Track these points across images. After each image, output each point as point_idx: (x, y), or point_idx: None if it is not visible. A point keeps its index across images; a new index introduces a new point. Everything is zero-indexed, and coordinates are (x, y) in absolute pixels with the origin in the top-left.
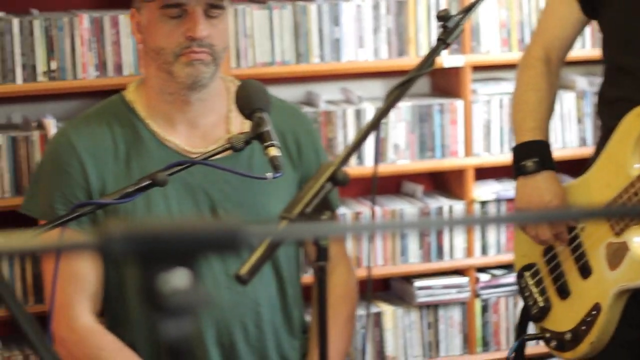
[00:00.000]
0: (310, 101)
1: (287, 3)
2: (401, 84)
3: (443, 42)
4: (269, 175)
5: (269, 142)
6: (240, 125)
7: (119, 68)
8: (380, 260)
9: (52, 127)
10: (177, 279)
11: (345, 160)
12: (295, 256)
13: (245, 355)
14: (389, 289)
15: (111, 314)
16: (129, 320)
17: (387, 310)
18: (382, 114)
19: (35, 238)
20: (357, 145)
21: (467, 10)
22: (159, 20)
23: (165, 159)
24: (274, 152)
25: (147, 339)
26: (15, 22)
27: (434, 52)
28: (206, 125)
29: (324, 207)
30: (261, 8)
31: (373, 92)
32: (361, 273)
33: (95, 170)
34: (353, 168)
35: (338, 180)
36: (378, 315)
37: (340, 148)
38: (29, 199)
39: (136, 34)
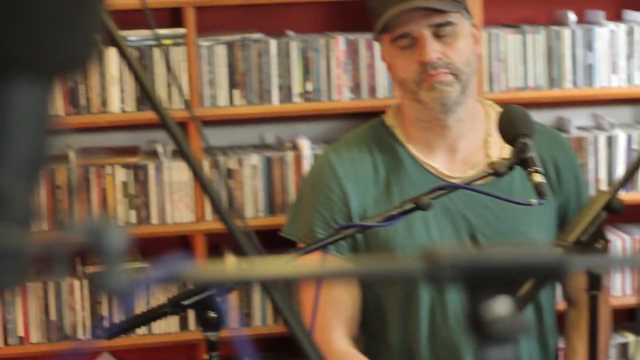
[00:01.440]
0: (561, 127)
1: (540, 28)
2: None
3: None
4: (534, 201)
5: (533, 168)
6: (500, 150)
7: (373, 91)
8: (628, 289)
9: (306, 148)
10: (501, 306)
11: (619, 187)
12: (552, 283)
13: None
14: (635, 319)
15: (368, 336)
16: (386, 343)
17: (633, 341)
18: None
19: (350, 263)
20: (631, 173)
21: None
22: (394, 54)
23: (425, 183)
24: (538, 178)
25: None
26: (273, 43)
27: None
28: (466, 149)
29: (599, 235)
30: (515, 32)
31: (624, 119)
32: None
33: (356, 195)
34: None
35: (613, 208)
36: (624, 346)
37: (591, 175)
38: (290, 222)
39: (388, 68)
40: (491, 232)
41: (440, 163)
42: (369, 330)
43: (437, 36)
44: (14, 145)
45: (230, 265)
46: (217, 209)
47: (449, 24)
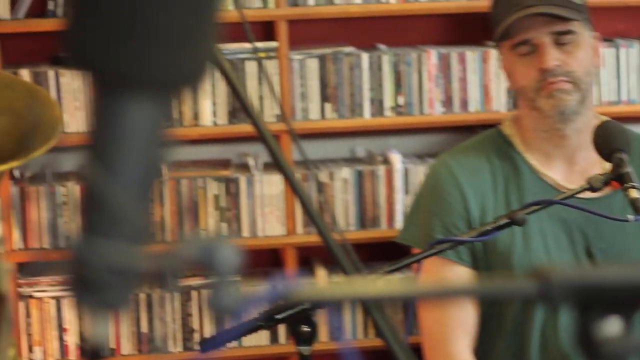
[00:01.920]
0: None
1: (634, 42)
2: None
3: None
4: (631, 217)
5: (629, 184)
6: None
7: (464, 104)
8: None
9: (397, 162)
10: (612, 326)
11: None
12: None
13: None
14: None
15: (479, 345)
16: (497, 352)
17: None
18: None
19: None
20: None
21: None
22: (515, 61)
23: (542, 194)
24: (634, 194)
25: None
26: (365, 57)
27: None
28: (584, 161)
29: None
30: (608, 46)
31: None
32: None
33: (476, 201)
34: None
35: None
36: None
37: None
38: (406, 228)
39: (506, 76)
40: (606, 246)
41: (558, 174)
42: (480, 339)
43: (558, 44)
44: (128, 163)
45: (339, 283)
46: (314, 222)
47: (570, 32)
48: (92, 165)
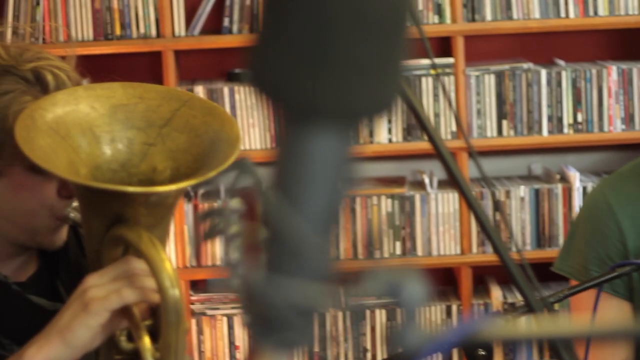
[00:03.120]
0: None
1: None
2: None
3: None
4: None
5: None
6: None
7: None
8: None
9: (575, 180)
10: None
11: None
12: None
13: None
14: None
15: None
16: None
17: None
18: None
19: None
20: None
21: None
22: None
23: None
24: None
25: None
26: (543, 73)
27: None
28: None
29: None
30: None
31: None
32: None
33: (633, 232)
34: None
35: None
36: None
37: None
38: (562, 258)
39: None
40: None
41: None
42: None
43: None
44: (313, 195)
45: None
46: (490, 240)
47: None
48: (276, 198)
